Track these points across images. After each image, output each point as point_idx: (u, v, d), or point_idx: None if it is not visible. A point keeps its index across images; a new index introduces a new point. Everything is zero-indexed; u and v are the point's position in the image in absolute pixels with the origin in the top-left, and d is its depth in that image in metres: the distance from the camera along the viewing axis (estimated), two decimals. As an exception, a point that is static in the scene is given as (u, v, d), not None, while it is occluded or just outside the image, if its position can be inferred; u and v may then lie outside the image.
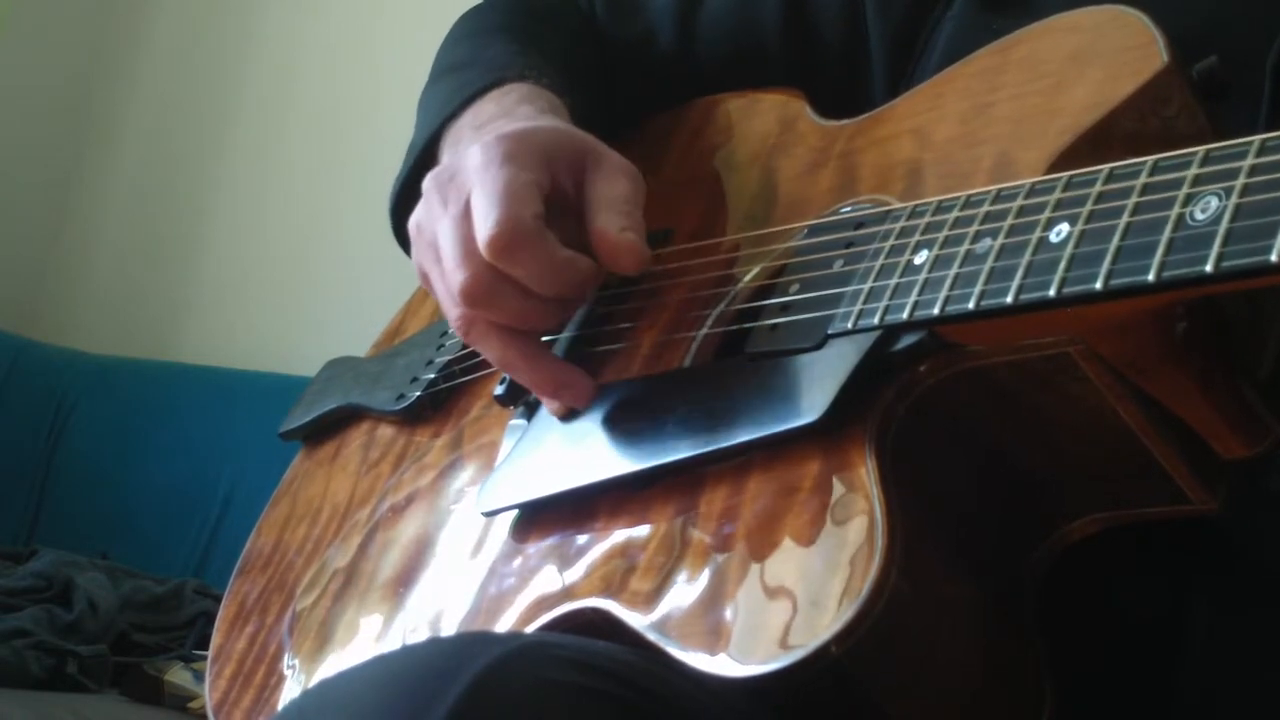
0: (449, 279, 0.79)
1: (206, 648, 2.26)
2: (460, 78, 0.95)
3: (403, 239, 0.94)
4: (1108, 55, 0.70)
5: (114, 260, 3.25)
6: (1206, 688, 0.70)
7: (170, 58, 3.30)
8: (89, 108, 3.32)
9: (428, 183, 0.83)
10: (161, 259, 3.20)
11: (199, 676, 2.14)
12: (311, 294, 2.93)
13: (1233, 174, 0.57)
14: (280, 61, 3.17)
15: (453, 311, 0.80)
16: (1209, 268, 0.56)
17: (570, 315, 0.82)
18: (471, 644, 0.64)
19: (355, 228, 2.84)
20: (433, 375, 0.98)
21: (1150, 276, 0.58)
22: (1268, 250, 0.54)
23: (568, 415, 0.82)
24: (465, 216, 0.79)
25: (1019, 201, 0.66)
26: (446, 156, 0.89)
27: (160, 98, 3.29)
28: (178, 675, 2.15)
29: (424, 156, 0.92)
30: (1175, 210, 0.58)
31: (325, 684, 0.68)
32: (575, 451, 0.80)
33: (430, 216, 0.82)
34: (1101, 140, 0.68)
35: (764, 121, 0.93)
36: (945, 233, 0.68)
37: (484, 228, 0.76)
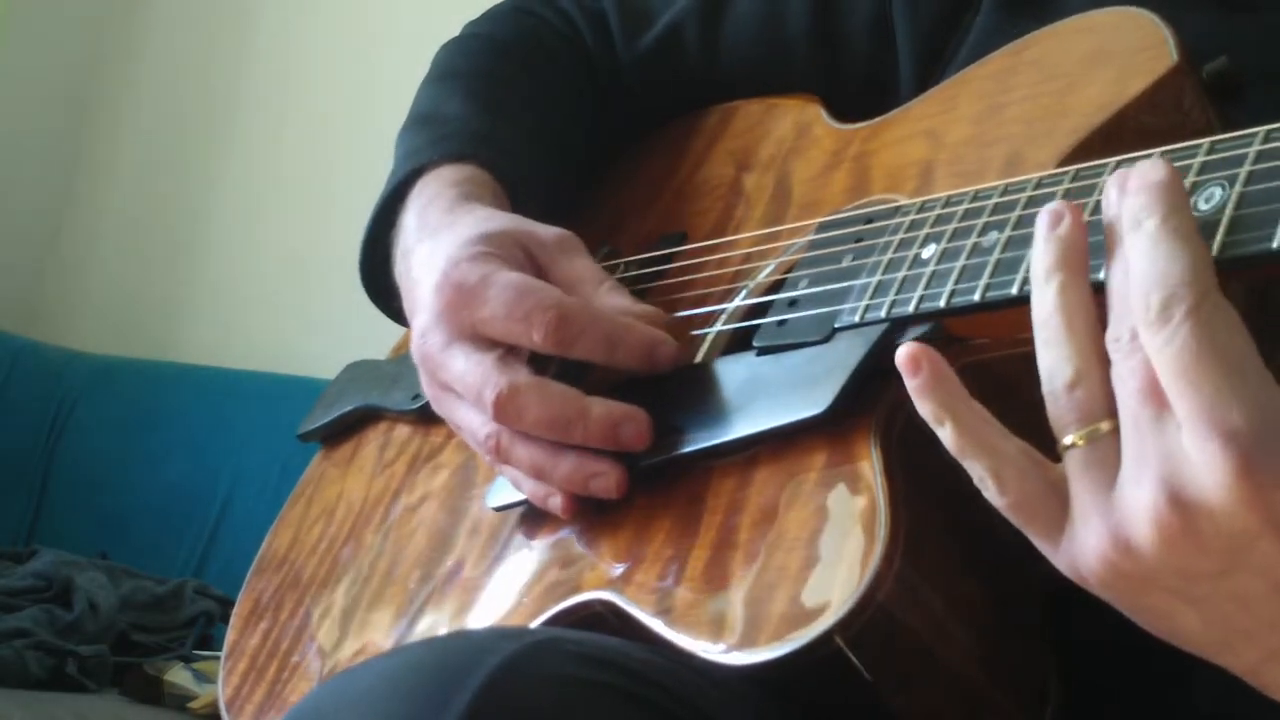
0: (483, 393, 0.78)
1: (206, 648, 2.28)
2: (411, 142, 0.98)
3: (373, 292, 0.99)
4: (1119, 55, 0.71)
5: (114, 260, 3.25)
6: (1220, 694, 0.70)
7: (170, 58, 3.30)
8: (89, 107, 3.32)
9: (415, 349, 0.83)
10: (161, 259, 3.20)
11: (199, 676, 2.14)
12: (311, 294, 2.93)
13: (1237, 162, 0.57)
14: (280, 62, 3.17)
15: (483, 430, 0.80)
16: (1212, 255, 0.56)
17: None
18: (486, 640, 0.64)
19: (355, 228, 2.83)
20: None
21: None
22: (1269, 238, 0.55)
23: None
24: (473, 338, 0.80)
25: (1027, 194, 0.66)
26: (400, 272, 0.91)
27: (160, 98, 3.28)
28: (178, 675, 2.15)
29: (387, 215, 0.96)
30: None
31: (341, 679, 0.68)
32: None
33: (436, 363, 0.81)
34: (1112, 139, 0.69)
35: (780, 126, 0.93)
36: (953, 225, 0.69)
37: (535, 319, 0.77)
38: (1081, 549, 0.56)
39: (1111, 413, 0.56)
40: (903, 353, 0.59)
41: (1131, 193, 0.56)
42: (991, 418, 0.58)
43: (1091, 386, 0.56)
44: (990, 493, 0.58)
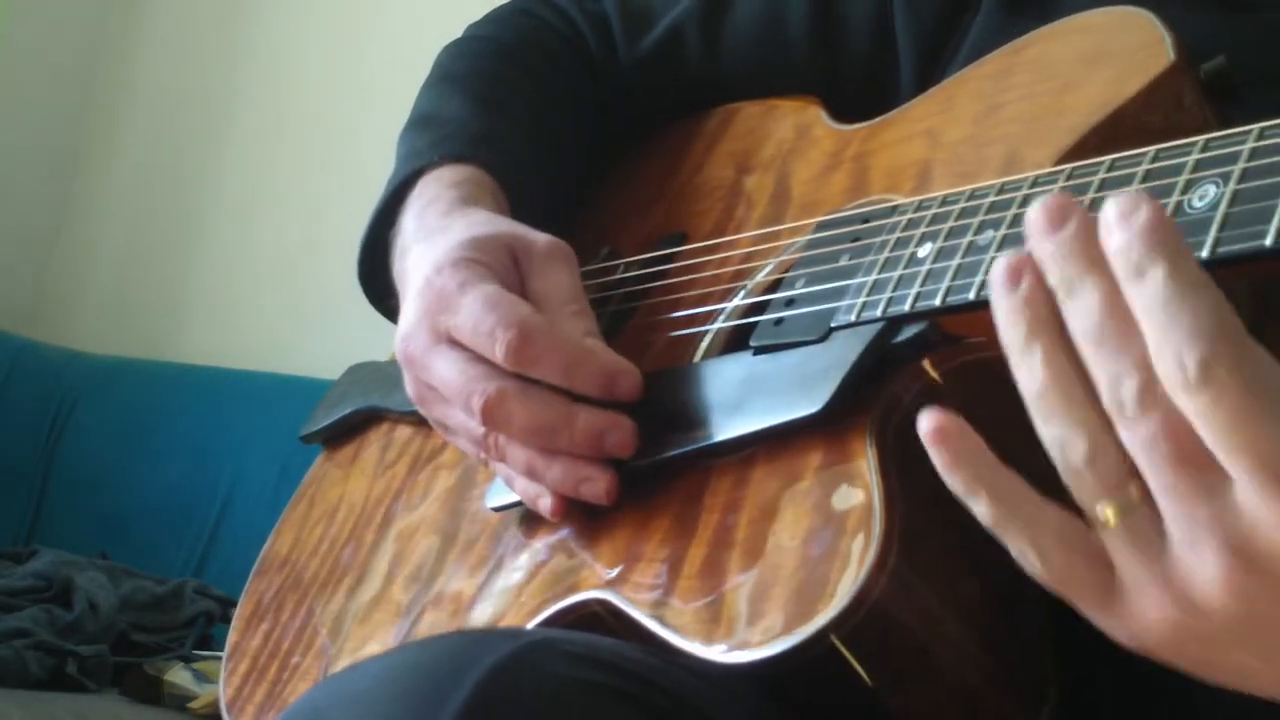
0: (471, 400, 0.78)
1: (206, 648, 2.28)
2: (412, 143, 0.98)
3: (370, 291, 0.99)
4: (1117, 55, 0.71)
5: (114, 260, 3.25)
6: (1220, 695, 0.70)
7: (170, 58, 3.30)
8: (88, 109, 3.32)
9: (399, 351, 0.83)
10: (161, 259, 3.20)
11: (199, 676, 2.14)
12: (311, 294, 2.93)
13: (1232, 160, 0.57)
14: (279, 62, 3.17)
15: (478, 431, 0.80)
16: (1204, 253, 0.56)
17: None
18: (482, 640, 0.65)
19: (353, 228, 2.84)
20: None
21: None
22: (1263, 235, 0.54)
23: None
24: (452, 345, 0.79)
25: (1023, 192, 0.66)
26: (398, 272, 0.91)
27: (160, 98, 3.29)
28: (178, 675, 2.15)
29: (387, 216, 0.96)
30: (1175, 198, 0.59)
31: (337, 679, 0.68)
32: None
33: (419, 365, 0.82)
34: (1109, 138, 0.69)
35: (780, 127, 0.94)
36: (950, 224, 0.69)
37: (498, 335, 0.76)
38: (1142, 620, 0.54)
39: (1135, 473, 0.52)
40: (927, 425, 0.55)
41: (1120, 233, 0.51)
42: (1027, 486, 0.54)
43: (1110, 456, 0.52)
44: (1033, 567, 0.54)
